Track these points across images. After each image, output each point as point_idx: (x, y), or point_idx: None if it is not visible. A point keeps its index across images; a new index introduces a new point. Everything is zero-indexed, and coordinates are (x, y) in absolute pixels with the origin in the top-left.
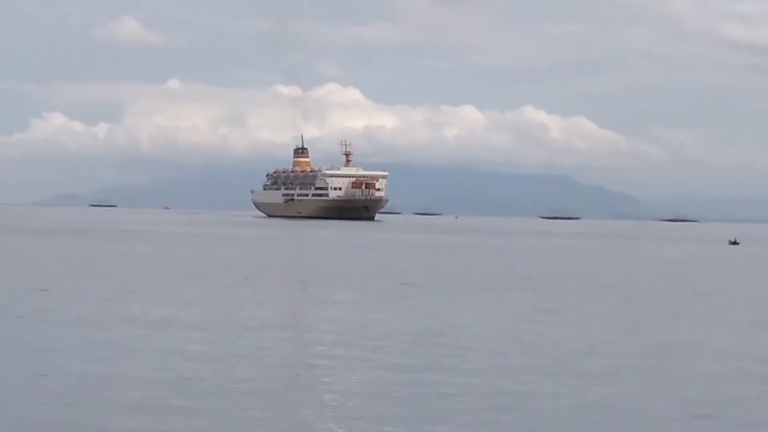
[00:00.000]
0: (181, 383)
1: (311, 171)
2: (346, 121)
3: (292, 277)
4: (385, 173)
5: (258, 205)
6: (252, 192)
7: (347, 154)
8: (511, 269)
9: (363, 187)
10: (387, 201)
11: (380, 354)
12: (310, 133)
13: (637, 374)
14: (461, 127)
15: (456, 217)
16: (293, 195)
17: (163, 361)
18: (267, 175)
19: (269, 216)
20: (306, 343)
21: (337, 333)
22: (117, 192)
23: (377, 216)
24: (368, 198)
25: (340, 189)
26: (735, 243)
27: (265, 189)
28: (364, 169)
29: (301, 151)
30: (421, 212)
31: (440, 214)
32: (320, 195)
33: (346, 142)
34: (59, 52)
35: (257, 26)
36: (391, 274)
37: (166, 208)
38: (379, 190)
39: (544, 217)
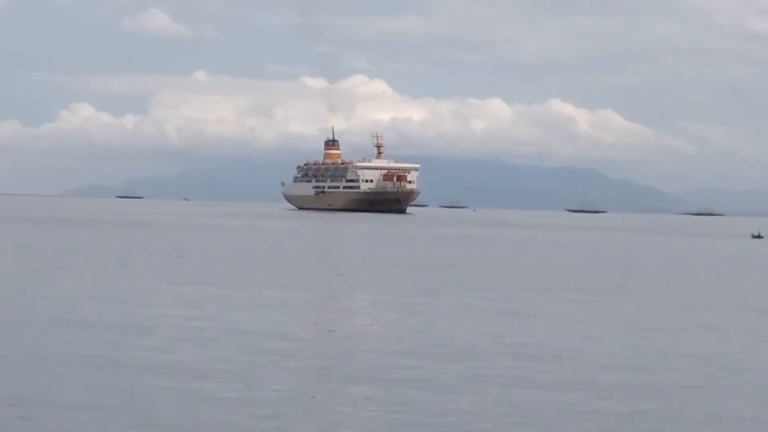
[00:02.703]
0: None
1: (342, 163)
2: (373, 113)
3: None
4: (417, 166)
5: (288, 198)
6: (282, 184)
7: (378, 147)
8: (544, 263)
9: (395, 179)
10: (419, 194)
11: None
12: (338, 125)
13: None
14: (488, 120)
15: (474, 210)
16: (324, 187)
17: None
18: (297, 168)
19: (300, 208)
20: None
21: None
22: (144, 183)
23: (408, 209)
24: (400, 190)
25: (371, 181)
26: (759, 237)
27: (295, 181)
28: (396, 162)
29: (332, 144)
30: (448, 205)
31: (467, 207)
32: (351, 187)
33: (377, 134)
34: (88, 44)
35: (285, 18)
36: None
37: (185, 199)
38: (410, 182)
39: (570, 210)
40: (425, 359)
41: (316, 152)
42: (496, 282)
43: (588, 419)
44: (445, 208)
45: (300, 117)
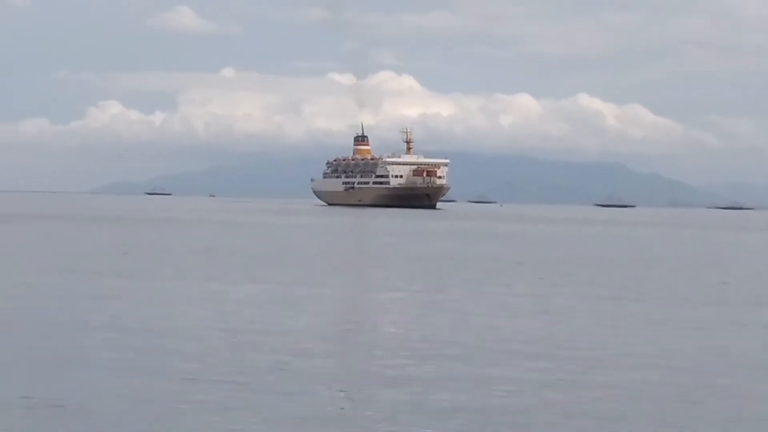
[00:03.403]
0: None
1: (372, 159)
2: (401, 108)
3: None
4: (447, 161)
5: (318, 194)
6: (312, 180)
7: (408, 142)
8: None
9: (424, 174)
10: (449, 189)
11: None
12: (366, 120)
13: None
14: (516, 115)
15: (500, 205)
16: (354, 183)
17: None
18: (327, 163)
19: (329, 204)
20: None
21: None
22: (172, 180)
23: (438, 204)
24: (430, 186)
25: (401, 177)
26: None
27: (325, 177)
28: (425, 157)
29: (361, 139)
30: (476, 200)
31: (495, 202)
32: (381, 183)
33: (407, 129)
34: (115, 41)
35: (312, 14)
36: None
37: (211, 195)
38: (440, 177)
39: (598, 205)
40: (458, 359)
41: (344, 148)
42: (529, 277)
43: (601, 421)
44: (473, 203)
45: (327, 113)
